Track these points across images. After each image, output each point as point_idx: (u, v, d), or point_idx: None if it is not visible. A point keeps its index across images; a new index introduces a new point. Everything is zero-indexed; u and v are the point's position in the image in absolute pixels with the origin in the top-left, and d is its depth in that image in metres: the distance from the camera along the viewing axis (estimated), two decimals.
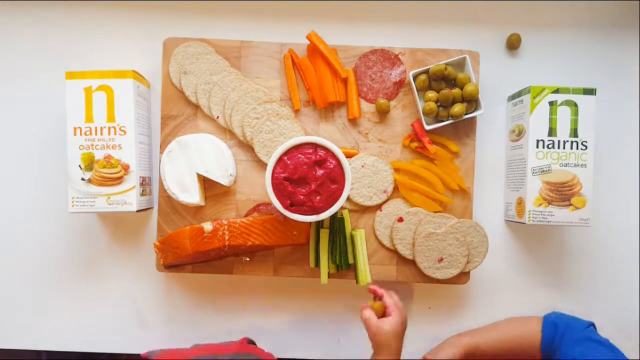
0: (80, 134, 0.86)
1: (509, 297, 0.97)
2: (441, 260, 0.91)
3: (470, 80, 0.90)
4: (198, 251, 0.87)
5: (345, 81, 0.93)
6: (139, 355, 0.97)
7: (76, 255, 0.97)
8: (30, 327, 0.97)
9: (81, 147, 0.86)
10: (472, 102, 0.91)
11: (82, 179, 0.86)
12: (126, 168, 0.86)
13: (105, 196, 0.86)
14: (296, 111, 0.94)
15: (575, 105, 0.87)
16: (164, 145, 0.92)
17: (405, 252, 0.92)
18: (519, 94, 0.92)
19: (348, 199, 0.92)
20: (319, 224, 0.91)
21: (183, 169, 0.89)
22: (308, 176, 0.83)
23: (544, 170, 0.88)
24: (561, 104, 0.87)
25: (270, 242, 0.89)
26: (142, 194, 0.89)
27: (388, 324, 0.82)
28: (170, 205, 0.93)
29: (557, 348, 0.84)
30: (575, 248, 0.97)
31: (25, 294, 0.97)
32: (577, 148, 0.87)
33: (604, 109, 0.94)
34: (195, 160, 0.89)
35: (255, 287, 0.98)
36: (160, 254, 0.91)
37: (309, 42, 0.92)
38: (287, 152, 0.84)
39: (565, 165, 0.87)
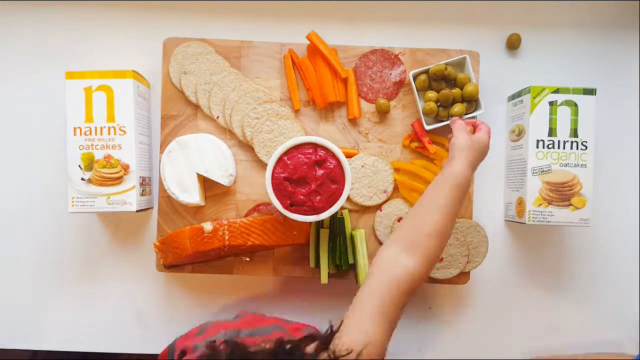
0: (80, 134, 0.86)
1: (509, 297, 0.97)
2: (441, 260, 0.91)
3: (470, 80, 0.90)
4: (198, 251, 0.87)
5: (345, 81, 0.93)
6: (139, 355, 0.98)
7: (76, 255, 0.97)
8: (30, 327, 0.97)
9: (81, 147, 0.86)
10: (472, 102, 0.91)
11: (82, 179, 0.86)
12: (126, 168, 0.86)
13: (105, 196, 0.86)
14: (296, 111, 0.94)
15: (575, 105, 0.87)
16: (164, 145, 0.92)
17: None
18: (519, 94, 0.92)
19: (348, 199, 0.92)
20: (319, 224, 0.91)
21: (183, 169, 0.89)
22: (308, 176, 0.83)
23: (544, 170, 0.88)
24: (561, 104, 0.87)
25: (270, 242, 0.89)
26: (142, 194, 0.89)
27: (477, 135, 0.80)
28: (170, 205, 0.93)
29: None
30: (575, 248, 0.97)
31: (25, 294, 0.97)
32: (577, 148, 0.87)
33: (604, 109, 0.94)
34: (195, 160, 0.89)
35: (255, 287, 0.98)
36: (160, 254, 0.91)
37: (309, 42, 0.92)
38: (287, 152, 0.84)
39: (565, 165, 0.87)
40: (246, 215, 0.92)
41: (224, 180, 0.90)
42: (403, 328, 0.97)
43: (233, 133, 0.93)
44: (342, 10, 0.97)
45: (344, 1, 0.96)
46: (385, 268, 0.69)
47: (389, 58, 0.94)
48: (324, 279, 0.90)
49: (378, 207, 0.93)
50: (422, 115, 0.91)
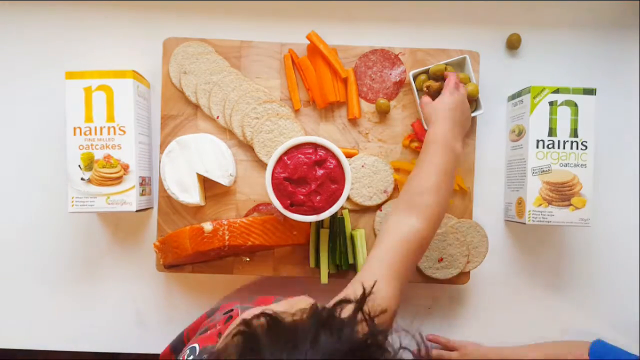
0: (80, 134, 0.86)
1: (509, 297, 0.97)
2: (441, 260, 0.91)
3: (470, 80, 0.90)
4: (198, 251, 0.87)
5: (345, 81, 0.93)
6: (138, 355, 0.98)
7: (76, 255, 0.97)
8: (30, 327, 0.97)
9: (81, 147, 0.86)
10: (472, 102, 0.91)
11: (82, 179, 0.86)
12: (126, 168, 0.86)
13: (105, 196, 0.86)
14: (296, 111, 0.94)
15: (575, 105, 0.87)
16: (164, 145, 0.92)
17: None
18: (519, 94, 0.92)
19: (348, 199, 0.92)
20: (319, 224, 0.91)
21: (183, 169, 0.89)
22: (308, 176, 0.83)
23: (544, 170, 0.88)
24: (561, 104, 0.87)
25: (270, 242, 0.89)
26: (141, 194, 0.89)
27: (437, 100, 0.83)
28: (170, 205, 0.93)
29: None
30: (575, 248, 0.97)
31: (24, 294, 0.97)
32: (577, 148, 0.87)
33: (604, 109, 0.94)
34: (195, 160, 0.89)
35: (255, 287, 0.97)
36: (160, 254, 0.91)
37: (309, 42, 0.91)
38: (287, 152, 0.84)
39: (565, 165, 0.87)
40: (246, 215, 0.92)
41: (224, 180, 0.90)
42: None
43: (233, 133, 0.93)
44: (342, 10, 0.97)
45: (344, 1, 0.96)
46: (390, 232, 0.71)
47: (389, 58, 0.94)
48: (324, 279, 0.90)
49: (378, 207, 0.93)
50: (422, 115, 0.91)
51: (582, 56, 0.97)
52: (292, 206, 0.84)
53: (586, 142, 0.88)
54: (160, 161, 0.91)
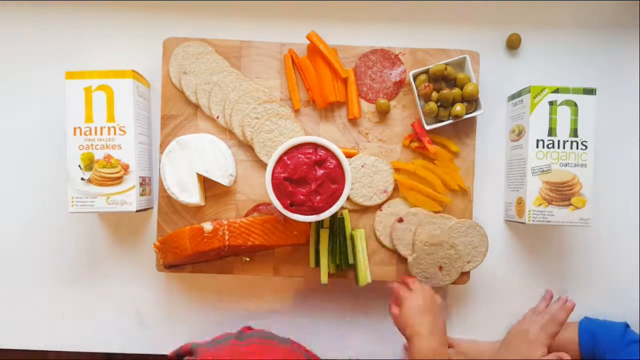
0: (80, 134, 0.86)
1: (509, 297, 0.97)
2: (441, 269, 0.91)
3: (470, 80, 0.90)
4: (198, 251, 0.87)
5: (345, 81, 0.93)
6: (138, 355, 0.98)
7: (76, 255, 0.97)
8: (30, 327, 0.97)
9: (81, 147, 0.86)
10: (472, 102, 0.91)
11: (82, 179, 0.86)
12: (126, 168, 0.86)
13: (105, 196, 0.86)
14: (296, 111, 0.94)
15: (575, 105, 0.87)
16: (164, 145, 0.92)
17: (405, 252, 0.92)
18: (519, 94, 0.92)
19: (348, 199, 0.92)
20: (319, 224, 0.91)
21: (183, 169, 0.89)
22: (308, 176, 0.83)
23: (544, 170, 0.88)
24: (561, 103, 0.87)
25: (270, 242, 0.89)
26: (141, 194, 0.89)
27: (405, 308, 0.80)
28: (170, 205, 0.93)
29: (602, 357, 0.86)
30: (575, 248, 0.97)
31: (24, 294, 0.97)
32: (577, 148, 0.87)
33: (604, 109, 0.94)
34: (195, 160, 0.89)
35: (255, 287, 0.97)
36: (160, 254, 0.91)
37: (309, 42, 0.91)
38: (287, 152, 0.84)
39: (565, 165, 0.87)
40: (246, 215, 0.92)
41: (224, 180, 0.90)
42: None
43: (233, 133, 0.93)
44: (342, 10, 0.97)
45: (344, 1, 0.96)
46: None
47: (389, 58, 0.94)
48: (324, 279, 0.90)
49: (378, 207, 0.93)
50: (422, 115, 0.91)
51: (582, 56, 0.97)
52: (292, 206, 0.84)
53: (586, 142, 0.88)
54: (160, 161, 0.91)
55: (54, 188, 0.95)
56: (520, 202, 0.90)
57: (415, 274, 0.91)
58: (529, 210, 0.88)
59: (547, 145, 0.88)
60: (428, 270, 0.90)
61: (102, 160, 0.86)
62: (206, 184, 0.93)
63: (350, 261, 0.91)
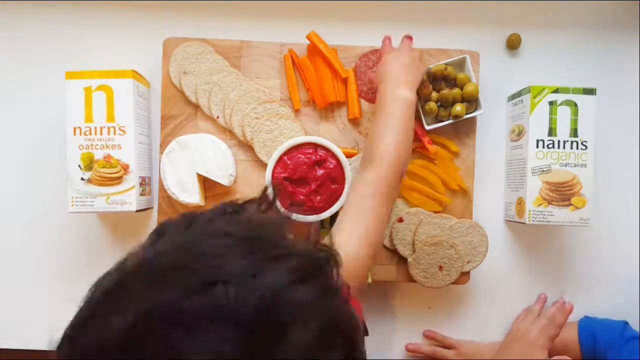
0: (80, 134, 0.86)
1: (509, 297, 0.97)
2: (441, 268, 0.91)
3: (470, 80, 0.90)
4: None
5: (345, 81, 0.93)
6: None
7: (76, 255, 0.96)
8: (30, 327, 0.97)
9: (81, 147, 0.86)
10: (472, 102, 0.91)
11: (82, 179, 0.85)
12: (126, 168, 0.86)
13: (105, 196, 0.86)
14: (296, 111, 0.94)
15: (575, 105, 0.87)
16: (163, 145, 0.92)
17: (405, 252, 0.92)
18: (519, 94, 0.92)
19: None
20: (319, 224, 0.91)
21: (183, 169, 0.89)
22: (308, 176, 0.83)
23: (544, 170, 0.88)
24: (561, 103, 0.87)
25: None
26: (141, 194, 0.89)
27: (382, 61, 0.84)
28: (170, 205, 0.93)
29: (603, 355, 0.86)
30: (575, 248, 0.97)
31: (24, 294, 0.97)
32: (577, 148, 0.87)
33: (604, 109, 0.94)
34: (195, 160, 0.89)
35: None
36: None
37: (309, 42, 0.91)
38: (287, 152, 0.84)
39: (565, 165, 0.87)
40: None
41: (224, 180, 0.90)
42: (403, 328, 0.97)
43: (233, 133, 0.93)
44: (342, 10, 0.97)
45: (344, 1, 0.96)
46: (356, 189, 0.75)
47: None
48: None
49: None
50: (422, 115, 0.91)
51: (582, 56, 0.97)
52: (292, 206, 0.84)
53: (586, 142, 0.88)
54: (160, 161, 0.91)
55: (54, 188, 0.95)
56: (520, 202, 0.90)
57: (415, 274, 0.91)
58: (529, 210, 0.88)
59: (547, 145, 0.88)
60: (428, 270, 0.90)
61: (102, 160, 0.86)
62: (206, 184, 0.93)
63: None
